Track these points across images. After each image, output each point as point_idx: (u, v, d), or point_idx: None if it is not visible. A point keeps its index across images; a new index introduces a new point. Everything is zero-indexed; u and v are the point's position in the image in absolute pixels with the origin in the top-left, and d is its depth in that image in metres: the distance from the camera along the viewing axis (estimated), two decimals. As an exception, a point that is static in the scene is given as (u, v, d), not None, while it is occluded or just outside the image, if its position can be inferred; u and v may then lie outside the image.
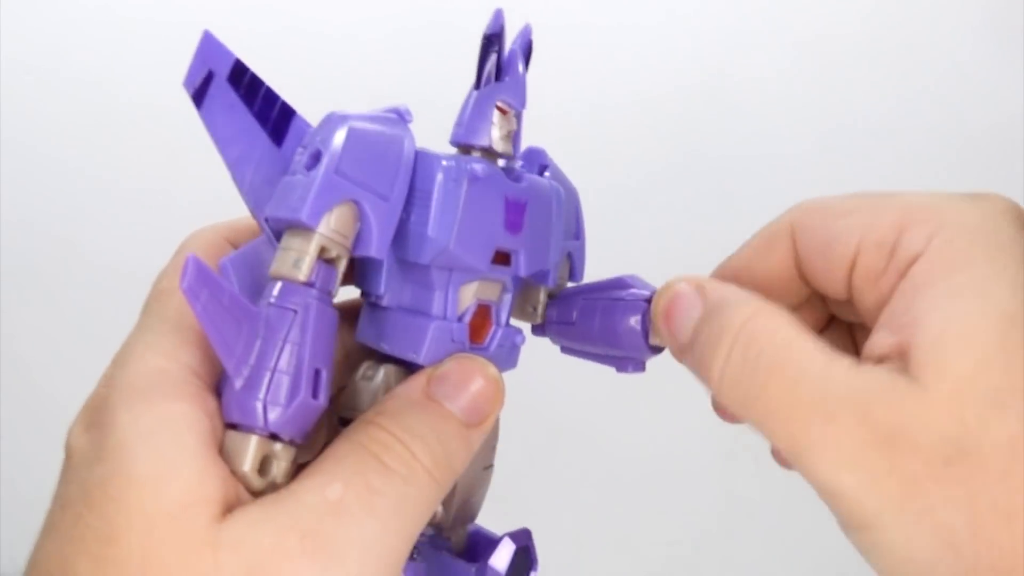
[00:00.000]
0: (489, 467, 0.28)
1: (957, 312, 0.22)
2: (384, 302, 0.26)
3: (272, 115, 0.27)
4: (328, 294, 0.25)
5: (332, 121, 0.25)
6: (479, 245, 0.26)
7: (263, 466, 0.23)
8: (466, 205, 0.25)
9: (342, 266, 0.25)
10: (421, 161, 0.25)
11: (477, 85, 0.27)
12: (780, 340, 0.23)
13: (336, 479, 0.23)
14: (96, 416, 0.23)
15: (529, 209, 0.27)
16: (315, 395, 0.23)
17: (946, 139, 0.71)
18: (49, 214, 0.73)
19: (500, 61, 0.27)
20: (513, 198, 0.26)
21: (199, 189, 0.72)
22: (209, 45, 0.27)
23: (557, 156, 0.30)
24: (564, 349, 0.30)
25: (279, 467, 0.23)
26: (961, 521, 0.21)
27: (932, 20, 0.71)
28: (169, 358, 0.24)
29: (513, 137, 0.27)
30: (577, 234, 0.30)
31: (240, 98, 0.27)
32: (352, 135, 0.24)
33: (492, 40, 0.27)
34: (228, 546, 0.21)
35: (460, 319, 0.26)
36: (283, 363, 0.23)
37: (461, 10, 0.70)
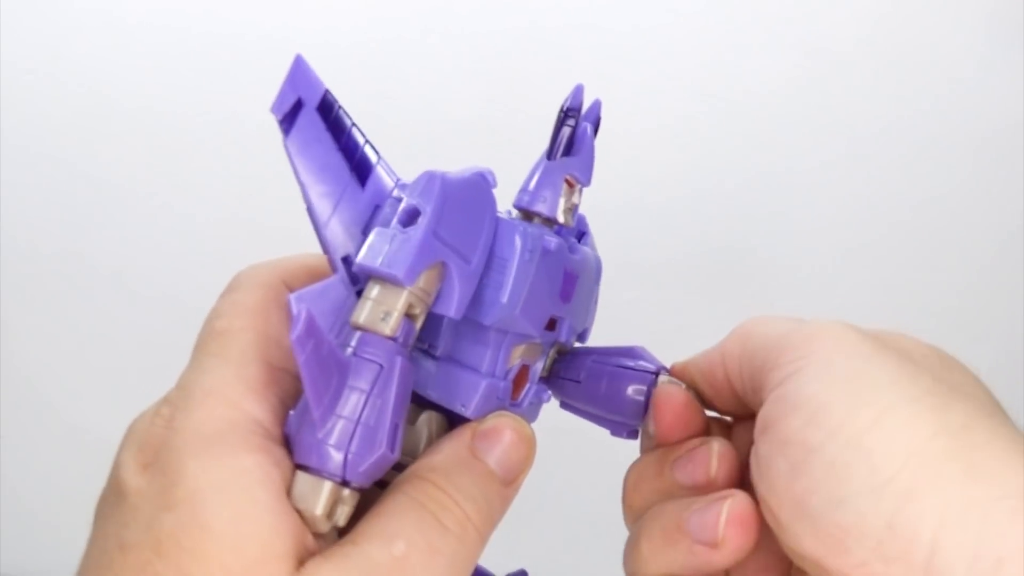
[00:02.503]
0: None
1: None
2: (438, 352, 0.27)
3: (357, 155, 0.27)
4: (407, 348, 0.25)
5: (431, 180, 0.25)
6: (538, 313, 0.27)
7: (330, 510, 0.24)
8: (536, 277, 0.26)
9: (420, 322, 0.25)
10: (500, 227, 0.26)
11: (550, 155, 0.27)
12: None
13: (399, 536, 0.24)
14: (157, 458, 0.23)
15: (579, 281, 0.28)
16: (392, 449, 0.24)
17: (947, 141, 0.71)
18: (49, 217, 0.73)
19: (575, 135, 0.28)
20: (570, 270, 0.28)
21: (199, 192, 0.72)
22: (300, 71, 0.27)
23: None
24: (563, 404, 0.31)
25: (343, 512, 0.24)
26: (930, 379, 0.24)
27: (932, 22, 0.71)
28: (235, 407, 0.24)
29: (574, 210, 0.28)
30: None
31: (328, 132, 0.27)
32: (449, 199, 0.25)
33: (570, 114, 0.28)
34: None
35: (505, 377, 0.27)
36: (367, 416, 0.24)
37: (465, 16, 0.70)
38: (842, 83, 0.71)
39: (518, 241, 0.26)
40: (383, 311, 0.24)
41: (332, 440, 0.23)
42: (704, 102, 0.71)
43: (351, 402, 0.23)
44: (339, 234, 0.26)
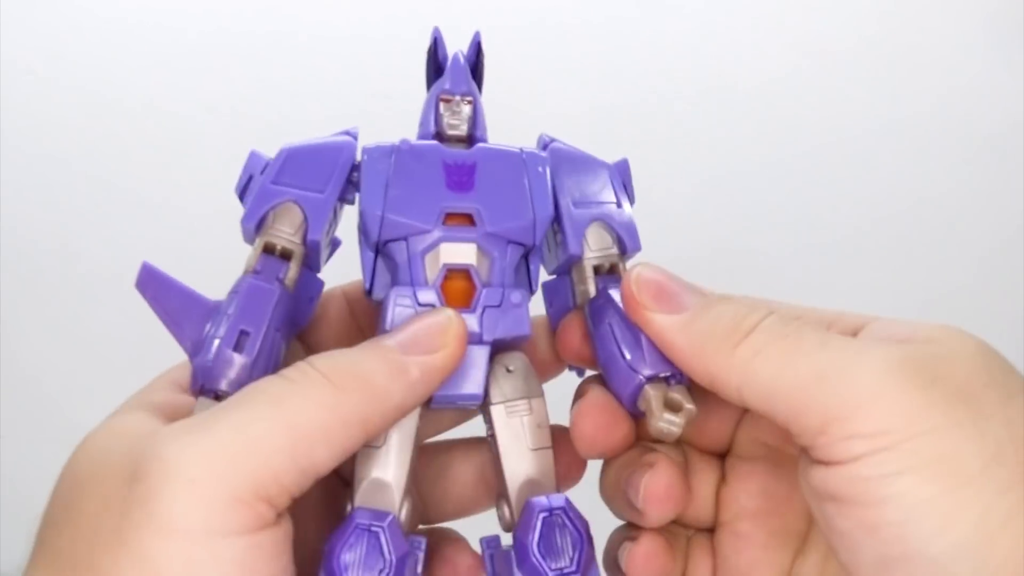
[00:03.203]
0: (541, 449, 0.28)
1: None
2: (374, 297, 0.28)
3: None
4: (277, 280, 0.28)
5: (278, 152, 0.29)
6: (419, 208, 0.27)
7: None
8: (395, 175, 0.28)
9: (296, 257, 0.28)
10: (366, 160, 0.28)
11: (428, 88, 0.30)
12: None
13: (234, 395, 0.25)
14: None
15: (481, 170, 0.28)
16: (236, 349, 0.26)
17: (947, 141, 0.71)
18: (49, 217, 0.73)
19: (439, 65, 0.30)
20: (454, 162, 0.28)
21: (200, 192, 0.72)
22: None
23: None
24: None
25: None
26: (1007, 436, 0.23)
27: (932, 22, 0.71)
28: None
29: (472, 119, 0.29)
30: (605, 203, 0.30)
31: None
32: (292, 155, 0.28)
33: (430, 51, 0.30)
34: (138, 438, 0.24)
35: (427, 284, 0.27)
36: (219, 330, 0.27)
37: (464, 17, 0.70)
38: (841, 83, 0.71)
39: (359, 155, 0.28)
40: (248, 259, 0.28)
41: (194, 358, 0.27)
42: (703, 102, 0.71)
43: (214, 323, 0.27)
44: None
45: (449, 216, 0.28)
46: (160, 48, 0.71)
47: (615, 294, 0.28)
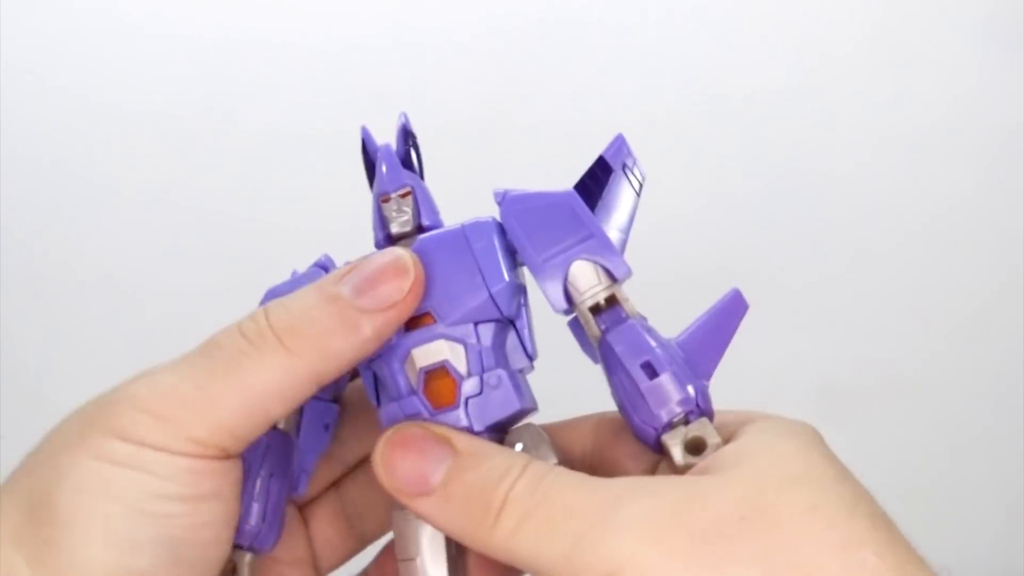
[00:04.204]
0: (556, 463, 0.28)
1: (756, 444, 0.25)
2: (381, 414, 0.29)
3: None
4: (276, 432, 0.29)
5: (263, 296, 0.29)
6: None
7: None
8: None
9: None
10: None
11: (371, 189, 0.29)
12: (562, 470, 0.25)
13: (199, 346, 0.26)
14: None
15: (425, 263, 0.27)
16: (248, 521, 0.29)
17: (946, 142, 0.71)
18: (50, 217, 0.73)
19: (371, 164, 0.29)
20: None
21: (200, 193, 0.72)
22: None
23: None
24: None
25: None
26: (757, 574, 0.21)
27: (932, 22, 0.71)
28: None
29: (415, 210, 0.28)
30: (576, 240, 0.28)
31: None
32: (267, 296, 0.29)
33: (363, 152, 0.29)
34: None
35: (413, 393, 0.27)
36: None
37: (464, 16, 0.70)
38: (840, 84, 0.71)
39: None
40: None
41: None
42: (702, 105, 0.71)
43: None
44: None
45: (410, 321, 0.27)
46: (160, 49, 0.71)
47: (612, 339, 0.27)
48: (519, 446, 0.27)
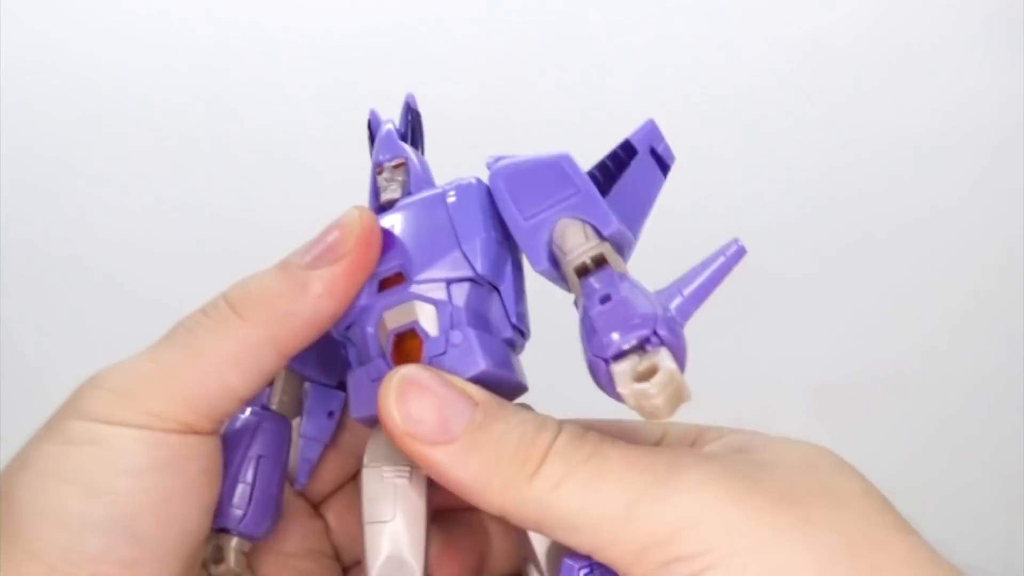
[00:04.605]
0: None
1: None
2: (346, 377, 0.28)
3: None
4: (260, 407, 0.29)
5: None
6: None
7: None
8: None
9: (278, 379, 0.30)
10: None
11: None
12: (596, 434, 0.24)
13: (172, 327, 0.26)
14: None
15: (400, 224, 0.27)
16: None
17: (946, 142, 0.71)
18: (50, 217, 0.73)
19: (372, 138, 0.29)
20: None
21: (200, 192, 0.72)
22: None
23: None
24: None
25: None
26: (840, 542, 0.22)
27: (932, 22, 0.71)
28: None
29: (406, 181, 0.28)
30: (560, 198, 0.26)
31: None
32: None
33: (369, 131, 0.30)
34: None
35: (382, 355, 0.26)
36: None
37: (463, 17, 0.70)
38: (840, 84, 0.71)
39: None
40: None
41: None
42: (700, 102, 0.71)
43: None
44: None
45: (383, 282, 0.26)
46: (161, 48, 0.71)
47: (584, 284, 0.25)
48: None
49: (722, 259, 0.26)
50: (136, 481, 0.24)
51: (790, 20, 0.71)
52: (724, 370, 0.68)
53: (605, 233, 0.25)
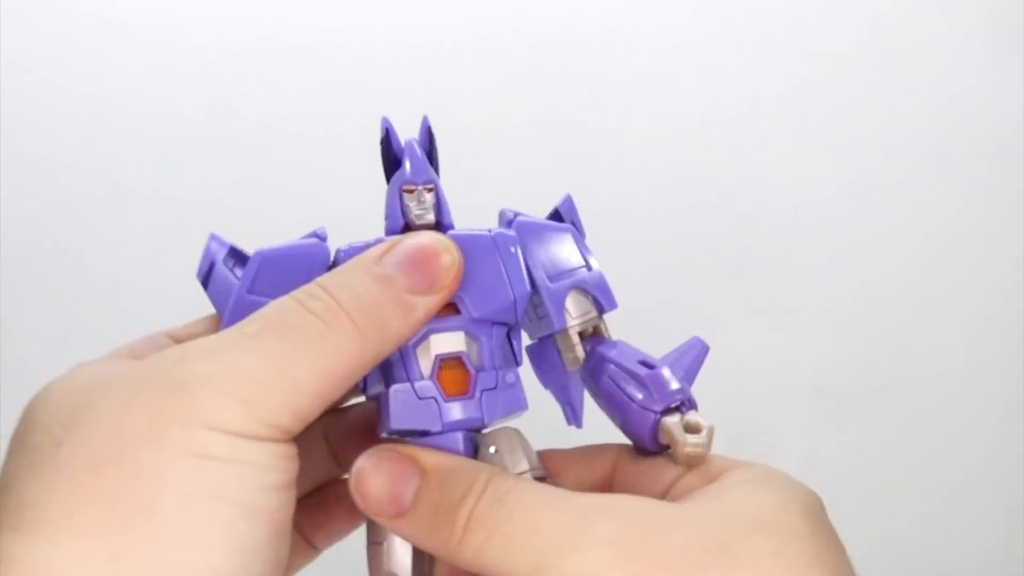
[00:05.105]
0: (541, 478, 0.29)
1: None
2: (369, 393, 0.29)
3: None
4: None
5: (251, 256, 0.29)
6: None
7: None
8: None
9: None
10: (339, 258, 0.29)
11: (387, 181, 0.30)
12: (527, 482, 0.26)
13: (256, 321, 0.25)
14: None
15: None
16: None
17: (946, 142, 0.71)
18: (50, 217, 0.73)
19: (395, 155, 0.30)
20: None
21: (200, 192, 0.72)
22: (213, 242, 0.31)
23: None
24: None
25: None
26: None
27: (932, 22, 0.71)
28: None
29: (436, 207, 0.29)
30: (576, 269, 0.31)
31: (232, 276, 0.30)
32: (260, 258, 0.29)
33: (383, 143, 0.30)
34: (145, 361, 0.25)
35: (423, 377, 0.28)
36: None
37: (463, 17, 0.70)
38: (840, 84, 0.71)
39: (341, 258, 0.29)
40: None
41: None
42: (700, 103, 0.71)
43: None
44: None
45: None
46: (161, 48, 0.71)
47: (604, 349, 0.30)
48: (492, 448, 0.28)
49: (697, 353, 0.31)
50: (285, 496, 0.24)
51: (790, 21, 0.71)
52: (724, 370, 0.68)
53: (607, 310, 0.30)
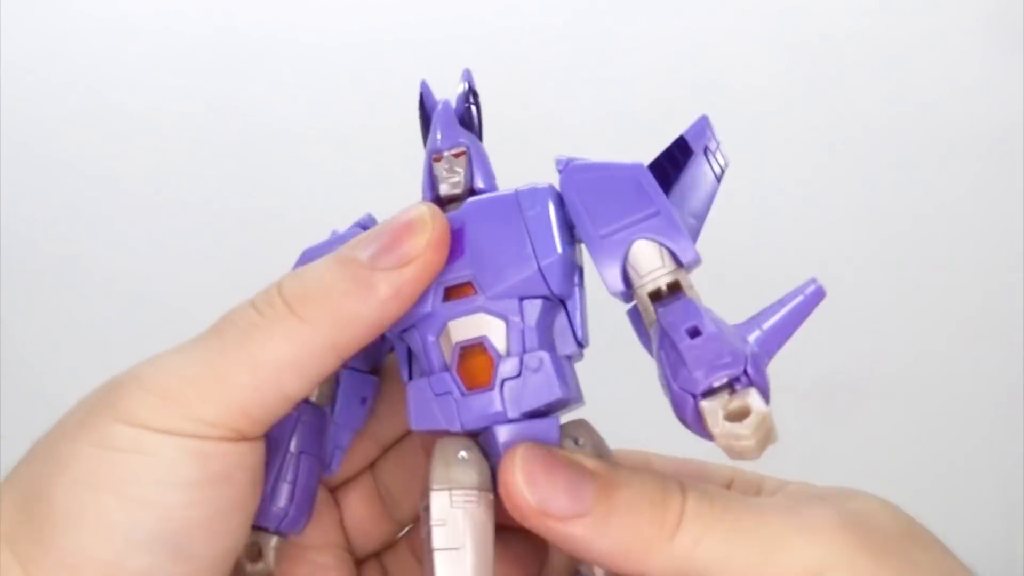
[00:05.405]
0: None
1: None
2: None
3: None
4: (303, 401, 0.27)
5: (299, 257, 0.27)
6: None
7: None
8: None
9: None
10: None
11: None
12: (714, 486, 0.25)
13: (217, 322, 0.25)
14: None
15: (470, 229, 0.25)
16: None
17: (946, 142, 0.71)
18: (50, 217, 0.73)
19: (426, 120, 0.28)
20: None
21: (201, 193, 0.72)
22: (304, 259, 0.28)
23: (550, 169, 0.28)
24: None
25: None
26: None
27: (932, 22, 0.71)
28: None
29: (467, 173, 0.26)
30: (639, 217, 0.25)
31: None
32: (302, 257, 0.27)
33: (420, 107, 0.28)
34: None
35: (444, 369, 0.25)
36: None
37: (462, 16, 0.70)
38: (839, 83, 0.71)
39: None
40: None
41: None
42: (700, 103, 0.71)
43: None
44: None
45: (449, 291, 0.25)
46: (161, 48, 0.71)
47: (662, 312, 0.24)
48: (569, 442, 0.25)
49: (801, 297, 0.25)
50: (187, 494, 0.23)
51: (790, 20, 0.71)
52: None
53: (684, 261, 0.25)
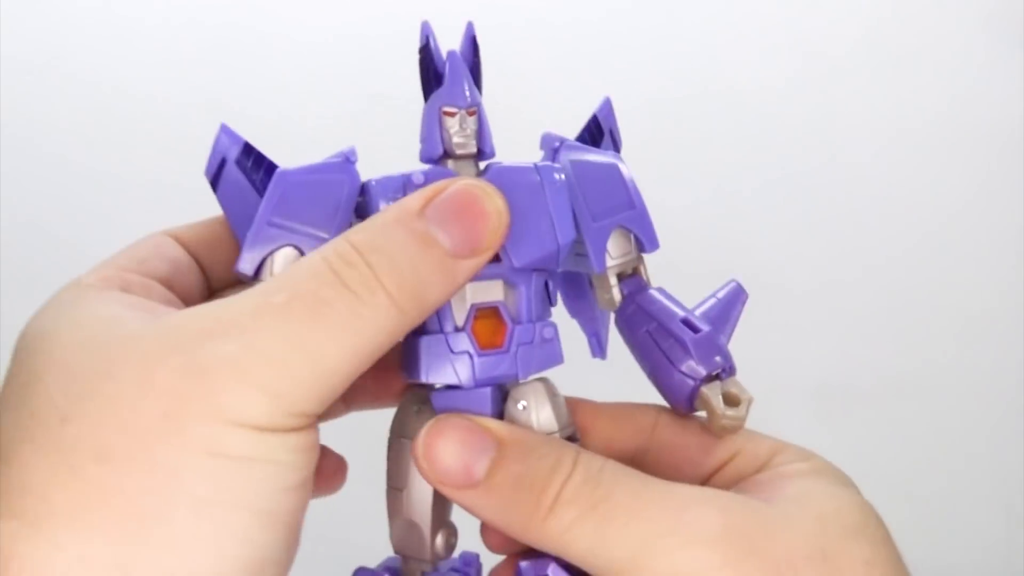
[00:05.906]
0: None
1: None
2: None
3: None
4: None
5: (274, 178, 0.26)
6: None
7: None
8: None
9: None
10: (370, 190, 0.26)
11: (425, 99, 0.27)
12: (616, 464, 0.24)
13: (285, 289, 0.22)
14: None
15: None
16: None
17: (946, 142, 0.71)
18: (50, 216, 0.73)
19: (436, 69, 0.27)
20: None
21: (201, 191, 0.72)
22: (224, 135, 0.29)
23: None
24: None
25: None
26: None
27: (932, 22, 0.71)
28: None
29: (478, 133, 0.26)
30: (621, 207, 0.28)
31: (246, 178, 0.28)
32: (285, 182, 0.26)
33: (422, 52, 0.28)
34: (163, 328, 0.22)
35: (457, 330, 0.26)
36: None
37: (461, 16, 0.70)
38: (840, 83, 0.71)
39: (371, 191, 0.26)
40: None
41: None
42: (702, 104, 0.71)
43: None
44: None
45: None
46: (161, 46, 0.71)
47: (644, 300, 0.28)
48: (520, 404, 0.26)
49: (736, 305, 0.30)
50: (302, 495, 0.22)
51: (790, 21, 0.71)
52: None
53: (648, 250, 0.28)
